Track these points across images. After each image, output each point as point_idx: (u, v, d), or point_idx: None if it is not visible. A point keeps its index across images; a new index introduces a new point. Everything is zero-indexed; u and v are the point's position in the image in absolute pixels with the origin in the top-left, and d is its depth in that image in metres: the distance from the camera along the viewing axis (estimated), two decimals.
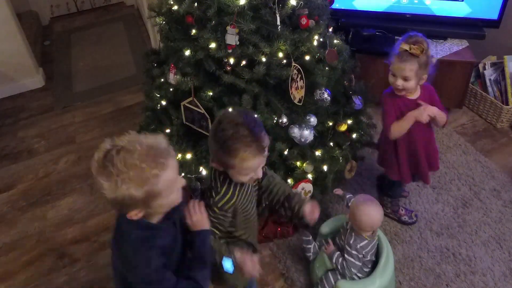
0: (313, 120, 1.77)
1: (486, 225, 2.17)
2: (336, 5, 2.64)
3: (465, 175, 2.44)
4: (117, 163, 0.92)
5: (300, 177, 1.86)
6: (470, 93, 2.91)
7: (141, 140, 0.98)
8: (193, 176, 1.88)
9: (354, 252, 1.70)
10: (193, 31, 1.70)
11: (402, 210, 2.19)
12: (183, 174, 1.90)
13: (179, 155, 1.90)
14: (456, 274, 1.96)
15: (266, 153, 1.22)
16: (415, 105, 1.76)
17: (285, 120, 1.72)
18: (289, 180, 1.87)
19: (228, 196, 1.30)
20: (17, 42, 3.20)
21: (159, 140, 1.01)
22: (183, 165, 1.90)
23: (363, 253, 1.71)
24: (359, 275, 1.75)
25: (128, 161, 0.93)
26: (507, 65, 2.73)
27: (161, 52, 2.03)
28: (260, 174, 1.25)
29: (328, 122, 1.88)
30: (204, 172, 1.87)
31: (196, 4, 1.67)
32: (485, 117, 2.87)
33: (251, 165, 1.19)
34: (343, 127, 1.91)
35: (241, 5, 1.53)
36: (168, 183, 1.00)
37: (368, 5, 2.77)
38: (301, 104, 1.70)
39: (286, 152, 1.83)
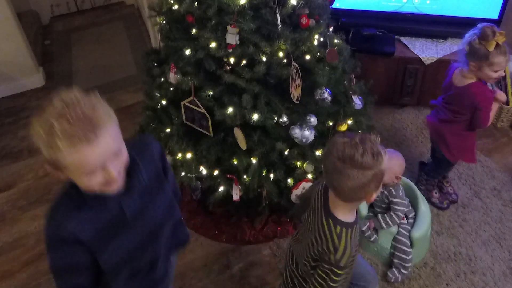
0: (313, 120, 1.78)
1: (486, 224, 2.17)
2: (336, 5, 2.64)
3: (465, 175, 2.44)
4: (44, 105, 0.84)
5: (300, 177, 1.86)
6: None
7: (82, 100, 0.86)
8: (193, 175, 1.88)
9: (399, 200, 1.89)
10: (194, 30, 1.70)
11: (436, 192, 2.25)
12: (183, 173, 1.90)
13: (179, 154, 1.90)
14: (456, 273, 1.96)
15: None
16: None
17: (285, 119, 1.71)
18: (289, 180, 1.88)
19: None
20: (17, 42, 3.20)
21: (99, 107, 0.88)
22: (183, 165, 1.90)
23: (404, 197, 1.93)
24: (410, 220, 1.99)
25: (45, 114, 0.83)
26: (508, 65, 2.73)
27: (161, 52, 2.03)
28: None
29: (329, 122, 1.88)
30: (204, 171, 1.87)
31: (196, 3, 1.67)
32: None
33: None
34: (343, 127, 1.91)
35: (242, 4, 1.53)
36: (78, 164, 0.85)
37: (369, 4, 2.77)
38: (298, 102, 1.70)
39: (286, 152, 1.83)
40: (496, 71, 1.78)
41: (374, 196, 1.15)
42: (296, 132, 1.75)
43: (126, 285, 1.14)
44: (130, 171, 1.01)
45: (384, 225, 1.89)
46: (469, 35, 1.80)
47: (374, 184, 1.12)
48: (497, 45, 1.72)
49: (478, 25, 1.78)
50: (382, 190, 1.93)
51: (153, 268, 1.19)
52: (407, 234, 1.92)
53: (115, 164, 0.92)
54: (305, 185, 1.87)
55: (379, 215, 1.92)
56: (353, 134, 1.13)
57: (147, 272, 1.18)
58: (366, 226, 1.97)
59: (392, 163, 1.83)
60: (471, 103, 1.86)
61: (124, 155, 0.96)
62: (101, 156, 0.87)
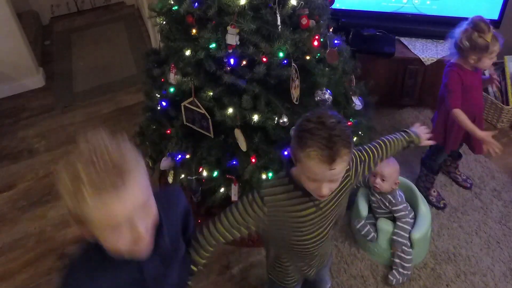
0: None
1: (486, 225, 2.17)
2: (336, 5, 2.64)
3: (465, 175, 2.44)
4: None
5: None
6: None
7: (110, 146, 0.78)
8: (193, 177, 1.88)
9: (401, 207, 1.91)
10: (194, 31, 1.70)
11: (434, 191, 2.28)
12: (182, 175, 1.90)
13: (179, 156, 1.89)
14: (457, 274, 1.96)
15: (335, 171, 1.05)
16: (478, 78, 1.96)
17: (285, 120, 1.71)
18: None
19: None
20: (17, 42, 3.20)
21: (127, 153, 0.79)
22: (183, 166, 1.90)
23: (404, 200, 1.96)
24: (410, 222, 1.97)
25: (71, 160, 0.77)
26: (508, 65, 2.73)
27: (161, 52, 2.03)
28: (323, 192, 1.09)
29: None
30: (204, 173, 1.86)
31: (196, 4, 1.67)
32: (486, 117, 2.86)
33: (314, 170, 1.05)
34: None
35: (242, 5, 1.53)
36: (104, 216, 0.77)
37: (369, 5, 2.77)
38: (298, 103, 1.70)
39: (286, 153, 1.83)
40: (492, 58, 1.87)
41: None
42: None
43: None
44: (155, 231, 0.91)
45: (403, 240, 1.90)
46: (463, 31, 1.86)
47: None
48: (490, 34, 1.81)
49: (466, 20, 1.88)
50: (380, 198, 1.94)
51: None
52: (406, 235, 1.92)
53: (143, 219, 0.83)
54: None
55: (394, 237, 1.91)
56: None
57: None
58: (360, 224, 1.98)
59: (391, 172, 1.88)
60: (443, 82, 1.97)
61: (153, 209, 0.87)
62: (128, 206, 0.78)
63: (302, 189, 1.14)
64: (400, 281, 1.91)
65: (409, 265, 1.91)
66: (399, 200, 1.93)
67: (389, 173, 1.88)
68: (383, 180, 1.89)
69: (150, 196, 0.85)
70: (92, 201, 0.75)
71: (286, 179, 1.18)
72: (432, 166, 2.22)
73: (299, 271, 1.43)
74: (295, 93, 1.68)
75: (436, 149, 2.14)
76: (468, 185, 2.38)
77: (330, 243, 1.46)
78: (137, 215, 0.80)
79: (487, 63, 1.88)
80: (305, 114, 1.11)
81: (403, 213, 1.91)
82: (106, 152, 0.77)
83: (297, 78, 1.66)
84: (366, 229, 1.96)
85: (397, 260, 1.91)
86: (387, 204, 1.93)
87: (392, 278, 1.91)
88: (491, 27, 1.81)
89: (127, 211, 0.78)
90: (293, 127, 1.13)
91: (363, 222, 1.98)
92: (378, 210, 1.99)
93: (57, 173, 0.79)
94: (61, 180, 0.77)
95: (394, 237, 1.91)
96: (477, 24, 1.82)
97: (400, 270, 1.91)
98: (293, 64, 1.62)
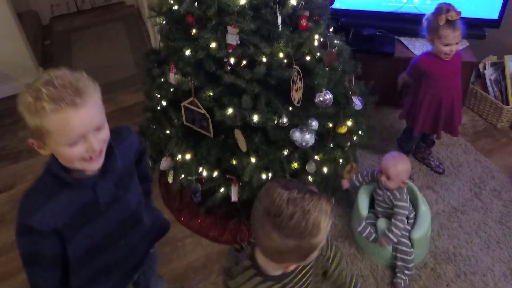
0: (314, 124, 1.77)
1: (486, 225, 2.17)
2: (336, 5, 2.64)
3: (465, 175, 2.44)
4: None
5: (301, 178, 1.86)
6: (471, 93, 2.91)
7: (69, 73, 0.91)
8: (193, 177, 1.88)
9: (403, 204, 1.90)
10: (194, 31, 1.70)
11: (432, 157, 2.50)
12: (183, 176, 1.90)
13: (179, 156, 1.89)
14: (457, 274, 1.96)
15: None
16: (450, 66, 2.07)
17: (285, 120, 1.71)
18: None
19: None
20: (17, 42, 3.20)
21: (85, 80, 0.91)
22: (183, 166, 1.90)
23: (408, 201, 1.95)
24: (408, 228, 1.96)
25: (32, 83, 0.88)
26: (507, 65, 2.73)
27: (161, 52, 2.03)
28: None
29: (328, 123, 1.88)
30: (204, 173, 1.86)
31: (196, 3, 1.67)
32: (486, 117, 2.87)
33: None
34: (343, 129, 1.90)
35: (242, 4, 1.53)
36: (62, 128, 0.87)
37: (369, 4, 2.77)
38: (299, 105, 1.70)
39: (286, 153, 1.83)
40: (445, 45, 1.97)
41: (293, 267, 0.98)
42: (297, 135, 1.74)
43: (93, 279, 1.14)
44: (106, 155, 1.01)
45: (394, 239, 1.87)
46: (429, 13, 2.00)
47: (296, 256, 0.92)
48: (448, 20, 1.91)
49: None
50: (386, 192, 1.93)
51: (125, 263, 1.20)
52: (407, 234, 1.91)
53: (97, 138, 0.93)
54: None
55: (386, 231, 1.88)
56: (299, 185, 0.92)
57: (117, 267, 1.18)
58: (361, 227, 1.96)
59: (397, 171, 1.87)
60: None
61: (106, 132, 0.97)
62: (85, 123, 0.89)
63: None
64: (407, 282, 1.90)
65: (412, 265, 1.91)
66: (404, 198, 1.91)
67: (395, 173, 1.86)
68: (388, 178, 1.88)
69: (104, 120, 0.96)
70: (52, 114, 0.85)
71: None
72: (404, 147, 2.45)
73: None
74: (296, 95, 1.67)
75: (407, 131, 2.36)
76: (441, 170, 2.46)
77: None
78: (92, 135, 0.91)
79: (440, 48, 1.99)
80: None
81: (402, 211, 1.89)
82: (65, 76, 0.89)
83: (299, 80, 1.66)
84: (367, 231, 1.95)
85: (399, 263, 1.91)
86: (391, 197, 1.91)
87: (400, 281, 1.89)
88: (452, 13, 1.90)
89: (84, 127, 0.89)
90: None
91: (363, 224, 1.97)
92: (382, 204, 1.98)
93: (19, 96, 0.88)
94: (23, 100, 0.87)
95: (386, 232, 1.88)
96: (438, 8, 1.96)
97: (405, 272, 1.90)
98: (294, 65, 1.62)
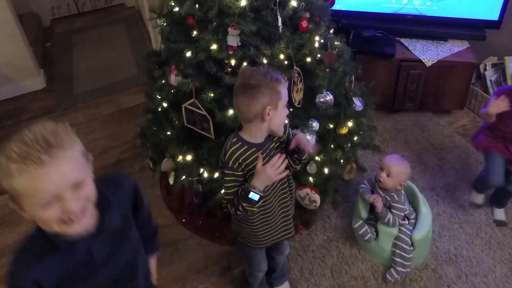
0: (315, 125, 1.77)
1: (487, 226, 2.17)
2: (337, 6, 2.65)
3: (466, 176, 2.44)
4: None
5: (304, 182, 1.87)
6: (471, 94, 2.91)
7: (46, 125, 0.82)
8: (194, 179, 1.88)
9: (400, 206, 1.91)
10: (194, 32, 1.71)
11: None
12: (184, 177, 1.90)
13: (180, 157, 1.89)
14: (458, 275, 1.96)
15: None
16: None
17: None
18: None
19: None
20: (18, 44, 3.21)
21: (62, 132, 0.82)
22: (184, 168, 1.90)
23: (406, 202, 1.97)
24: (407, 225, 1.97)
25: (12, 139, 0.80)
26: (508, 66, 2.73)
27: (162, 54, 2.03)
28: None
29: (329, 124, 1.88)
30: (205, 174, 1.86)
31: (197, 5, 1.67)
32: None
33: None
34: (344, 130, 1.91)
35: (242, 6, 1.53)
36: (30, 190, 0.78)
37: (369, 6, 2.77)
38: (300, 106, 1.70)
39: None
40: None
41: (268, 111, 1.24)
42: None
43: None
44: (101, 210, 0.93)
45: (385, 218, 1.89)
46: None
47: (268, 98, 1.23)
48: None
49: None
50: (384, 195, 1.94)
51: None
52: (409, 233, 1.92)
53: (76, 198, 0.83)
54: (308, 192, 1.87)
55: (391, 210, 1.92)
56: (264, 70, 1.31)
57: None
58: (358, 224, 1.97)
59: (400, 171, 1.88)
60: None
61: (89, 189, 0.86)
62: (55, 181, 0.79)
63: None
64: (398, 279, 1.91)
65: (409, 263, 1.91)
66: (402, 200, 1.92)
67: (397, 171, 1.87)
68: (388, 175, 1.88)
69: (86, 178, 0.86)
70: (19, 175, 0.77)
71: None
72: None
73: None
74: (297, 96, 1.68)
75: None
76: None
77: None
78: (68, 194, 0.81)
79: None
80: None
81: (398, 212, 1.90)
82: (40, 131, 0.79)
83: (300, 81, 1.66)
84: (363, 229, 1.96)
85: (398, 259, 1.91)
86: (389, 199, 1.92)
87: (390, 278, 1.91)
88: None
89: (54, 185, 0.79)
90: None
91: (360, 222, 1.98)
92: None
93: None
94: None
95: (398, 235, 1.91)
96: None
97: (399, 268, 1.91)
98: (295, 67, 1.62)
